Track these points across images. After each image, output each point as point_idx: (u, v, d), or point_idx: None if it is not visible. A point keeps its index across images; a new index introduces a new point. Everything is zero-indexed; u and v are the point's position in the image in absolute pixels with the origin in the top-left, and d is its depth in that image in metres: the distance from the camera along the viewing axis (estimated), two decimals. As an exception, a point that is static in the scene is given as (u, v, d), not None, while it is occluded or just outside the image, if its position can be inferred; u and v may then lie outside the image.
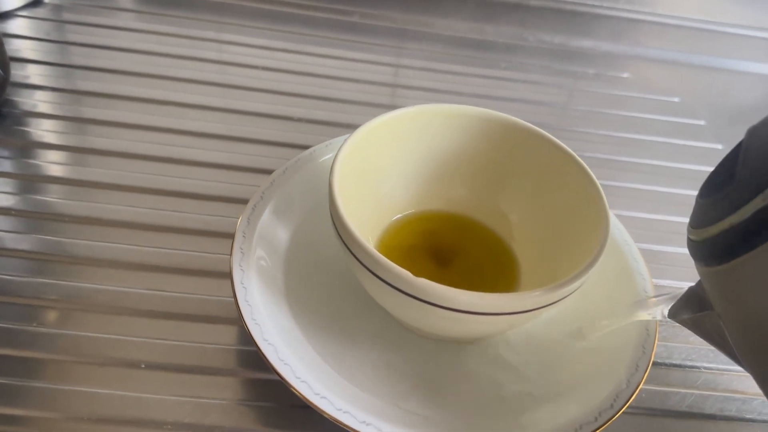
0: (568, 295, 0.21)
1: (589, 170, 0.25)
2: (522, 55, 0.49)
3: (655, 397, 0.26)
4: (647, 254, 0.28)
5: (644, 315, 0.23)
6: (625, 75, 0.48)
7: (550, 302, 0.21)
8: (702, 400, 0.27)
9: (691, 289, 0.21)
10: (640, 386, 0.23)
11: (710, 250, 0.16)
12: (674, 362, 0.28)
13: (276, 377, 0.21)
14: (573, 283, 0.21)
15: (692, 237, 0.18)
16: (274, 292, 0.24)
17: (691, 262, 0.18)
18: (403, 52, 0.47)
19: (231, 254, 0.24)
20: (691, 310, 0.21)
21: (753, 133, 0.17)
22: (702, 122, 0.44)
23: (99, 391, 0.24)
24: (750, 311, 0.16)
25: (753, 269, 0.15)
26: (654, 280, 0.27)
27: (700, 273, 0.18)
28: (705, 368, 0.28)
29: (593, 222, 0.24)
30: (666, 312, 0.23)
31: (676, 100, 0.46)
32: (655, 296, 0.24)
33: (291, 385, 0.21)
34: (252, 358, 0.25)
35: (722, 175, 0.17)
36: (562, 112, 0.44)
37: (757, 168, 0.16)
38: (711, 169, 0.18)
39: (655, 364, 0.28)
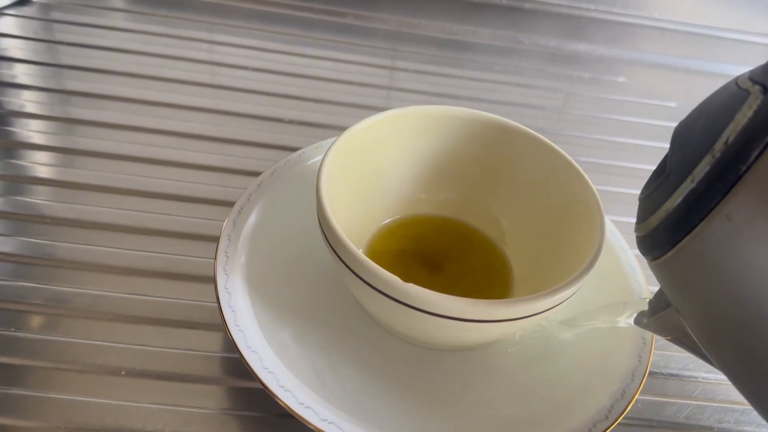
0: (561, 303, 0.21)
1: (584, 173, 0.24)
2: (517, 59, 0.48)
3: (652, 407, 0.26)
4: (643, 260, 0.27)
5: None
6: (621, 79, 0.48)
7: (542, 309, 0.20)
8: (699, 410, 0.26)
9: (659, 291, 0.21)
10: (636, 397, 0.22)
11: (653, 241, 0.17)
12: (671, 372, 0.27)
13: (260, 386, 0.20)
14: (566, 289, 0.20)
15: (637, 234, 0.18)
16: (260, 298, 0.24)
17: None
18: (398, 54, 0.46)
19: (215, 258, 0.24)
20: (653, 313, 0.21)
21: (679, 127, 0.18)
22: (699, 127, 0.44)
23: (77, 398, 0.23)
24: (701, 295, 0.16)
25: (694, 251, 0.15)
26: (651, 288, 0.26)
27: (651, 268, 0.18)
28: (702, 378, 0.27)
29: (588, 227, 0.23)
30: (632, 321, 0.23)
31: (672, 105, 0.46)
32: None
33: (275, 395, 0.20)
34: (236, 365, 0.24)
35: (656, 172, 0.18)
36: (557, 116, 0.43)
37: (683, 156, 0.16)
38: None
39: (651, 373, 0.27)
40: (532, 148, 0.26)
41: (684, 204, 0.15)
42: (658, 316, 0.20)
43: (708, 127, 0.16)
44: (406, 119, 0.26)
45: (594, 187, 0.24)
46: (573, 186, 0.25)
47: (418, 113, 0.26)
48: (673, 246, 0.16)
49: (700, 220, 0.15)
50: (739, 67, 0.51)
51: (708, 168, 0.15)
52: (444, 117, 0.27)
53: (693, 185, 0.15)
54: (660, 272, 0.17)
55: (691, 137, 0.16)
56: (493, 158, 0.27)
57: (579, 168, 0.25)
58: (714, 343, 0.16)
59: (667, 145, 0.18)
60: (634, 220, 0.34)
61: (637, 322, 0.22)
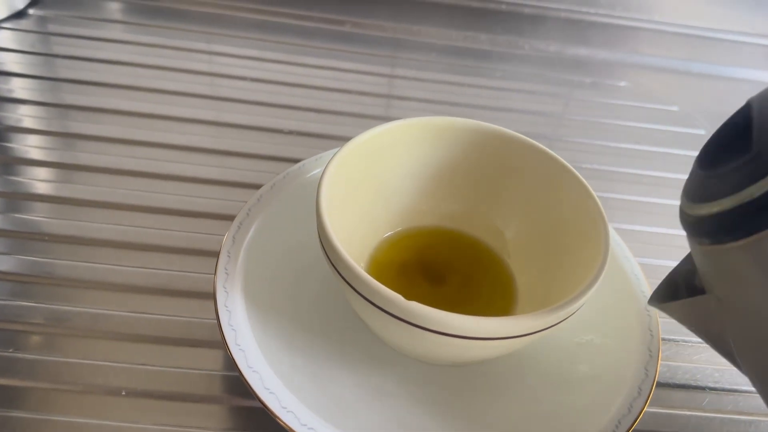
0: (567, 317, 0.20)
1: (586, 183, 0.24)
2: (517, 64, 0.48)
3: (659, 419, 0.25)
4: (647, 269, 0.27)
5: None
6: (623, 83, 0.48)
7: (548, 325, 0.20)
8: (707, 422, 0.26)
9: (673, 272, 0.20)
10: (643, 411, 0.22)
11: (724, 225, 0.15)
12: (678, 382, 0.27)
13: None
14: (572, 304, 0.20)
15: (695, 212, 0.16)
16: (261, 316, 0.23)
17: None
18: (397, 62, 0.46)
19: (215, 275, 0.23)
20: (675, 295, 0.20)
21: (761, 101, 0.16)
22: (701, 131, 0.43)
23: (78, 420, 0.23)
24: (762, 290, 0.15)
25: None
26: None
27: (702, 252, 0.16)
28: (710, 389, 0.27)
29: (592, 237, 0.23)
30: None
31: (674, 108, 0.45)
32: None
33: (276, 416, 0.20)
34: (238, 384, 0.24)
35: (729, 145, 0.16)
36: (558, 121, 0.43)
37: None
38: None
39: (658, 384, 0.26)
40: (534, 158, 0.26)
41: None
42: (689, 300, 0.19)
43: None
44: (407, 131, 0.26)
45: (596, 197, 0.24)
46: (576, 196, 0.24)
47: (420, 124, 0.26)
48: (750, 235, 0.15)
49: None
50: (742, 70, 0.51)
51: None
52: (445, 128, 0.26)
53: None
54: (716, 258, 0.16)
55: None
56: (495, 169, 0.27)
57: (581, 178, 0.24)
58: (758, 342, 0.15)
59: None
60: (638, 227, 0.34)
61: (651, 302, 0.21)
